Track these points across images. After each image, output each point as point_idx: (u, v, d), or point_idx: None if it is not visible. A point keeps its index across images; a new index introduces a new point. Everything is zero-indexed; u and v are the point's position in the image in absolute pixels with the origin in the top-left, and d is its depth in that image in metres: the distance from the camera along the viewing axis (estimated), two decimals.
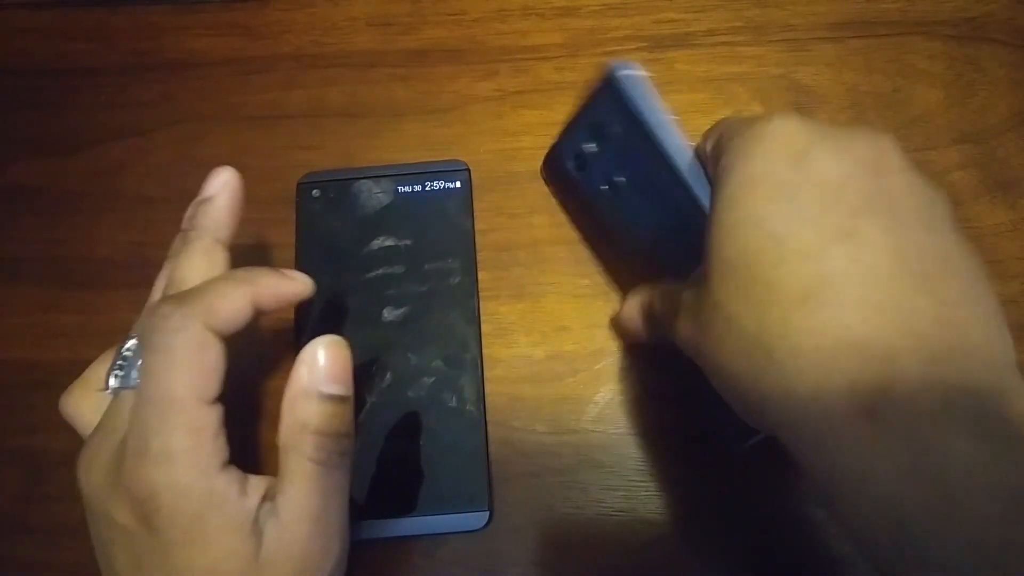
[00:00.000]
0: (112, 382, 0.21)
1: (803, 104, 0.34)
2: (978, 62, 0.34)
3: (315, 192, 0.32)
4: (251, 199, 0.34)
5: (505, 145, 0.34)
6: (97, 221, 0.34)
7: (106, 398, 0.22)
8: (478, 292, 0.31)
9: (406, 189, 0.32)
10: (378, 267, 0.31)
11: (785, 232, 0.18)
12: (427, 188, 0.32)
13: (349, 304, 0.30)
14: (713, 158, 0.22)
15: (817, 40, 0.35)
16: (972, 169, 0.32)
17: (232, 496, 0.20)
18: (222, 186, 0.24)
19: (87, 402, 0.23)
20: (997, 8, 0.35)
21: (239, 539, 0.19)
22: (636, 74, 0.26)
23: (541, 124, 0.34)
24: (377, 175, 0.32)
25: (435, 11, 0.37)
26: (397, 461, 0.28)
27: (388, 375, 0.29)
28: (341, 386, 0.21)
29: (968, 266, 0.18)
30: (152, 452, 0.19)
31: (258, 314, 0.22)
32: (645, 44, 0.35)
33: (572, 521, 0.28)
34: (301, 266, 0.31)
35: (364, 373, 0.26)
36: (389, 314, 0.30)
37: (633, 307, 0.27)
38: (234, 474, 0.20)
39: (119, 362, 0.21)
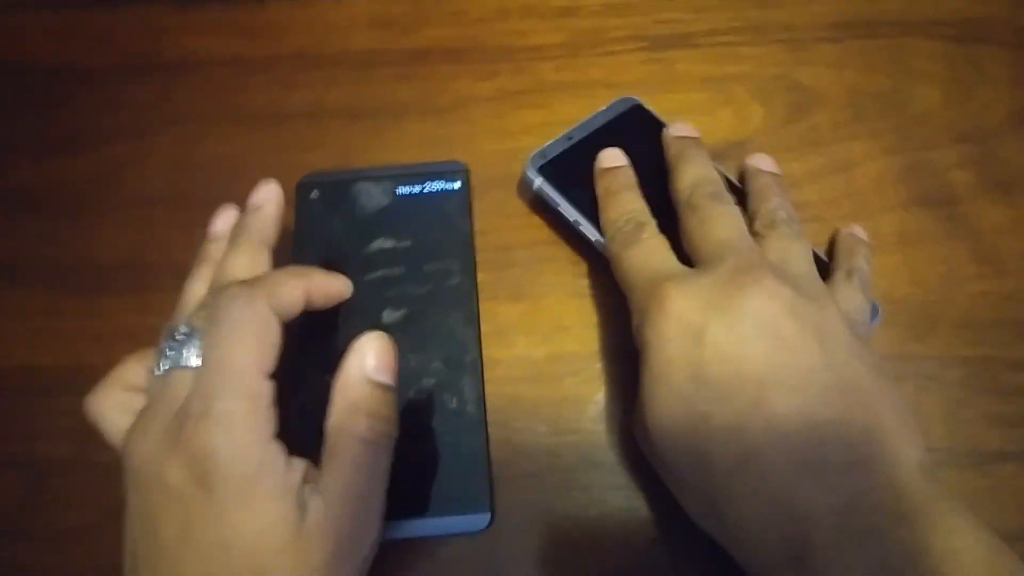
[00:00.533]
0: (164, 364, 0.22)
1: (803, 104, 0.34)
2: (977, 62, 0.34)
3: (314, 193, 0.32)
4: None
5: (505, 145, 0.34)
6: (97, 223, 0.34)
7: (133, 396, 0.24)
8: (478, 293, 0.31)
9: (405, 190, 0.32)
10: (377, 268, 0.31)
11: (708, 410, 0.22)
12: (426, 189, 0.32)
13: (348, 305, 0.30)
14: (633, 314, 0.26)
15: (817, 40, 0.35)
16: (971, 168, 0.33)
17: (280, 465, 0.21)
18: (269, 197, 0.27)
19: (113, 401, 0.24)
20: (996, 9, 0.35)
21: (286, 507, 0.20)
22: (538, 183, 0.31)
23: (541, 124, 0.34)
24: (376, 176, 0.32)
25: (435, 11, 0.37)
26: (397, 463, 0.28)
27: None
28: (389, 376, 0.23)
29: (869, 385, 0.22)
30: (214, 413, 0.20)
31: (307, 307, 0.24)
32: (645, 44, 0.35)
33: (574, 521, 0.28)
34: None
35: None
36: (388, 316, 0.30)
37: None
38: (281, 447, 0.21)
39: (171, 344, 0.22)
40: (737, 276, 0.23)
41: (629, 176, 0.30)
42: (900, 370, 0.30)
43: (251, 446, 0.20)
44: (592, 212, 0.29)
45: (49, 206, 0.34)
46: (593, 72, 0.35)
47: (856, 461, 0.21)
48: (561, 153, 0.31)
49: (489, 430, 0.29)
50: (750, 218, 0.27)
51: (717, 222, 0.25)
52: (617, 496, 0.29)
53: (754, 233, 0.26)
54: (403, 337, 0.30)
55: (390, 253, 0.31)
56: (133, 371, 0.25)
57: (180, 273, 0.33)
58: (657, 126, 0.32)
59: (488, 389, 0.29)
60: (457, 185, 0.32)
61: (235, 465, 0.20)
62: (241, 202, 0.34)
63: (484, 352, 0.30)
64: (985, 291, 0.31)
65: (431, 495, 0.27)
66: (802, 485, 0.21)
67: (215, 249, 0.27)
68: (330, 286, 0.26)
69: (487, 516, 0.27)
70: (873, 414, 0.22)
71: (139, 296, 0.33)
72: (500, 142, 0.34)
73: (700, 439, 0.22)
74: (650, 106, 0.32)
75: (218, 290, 0.24)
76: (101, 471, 0.30)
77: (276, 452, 0.21)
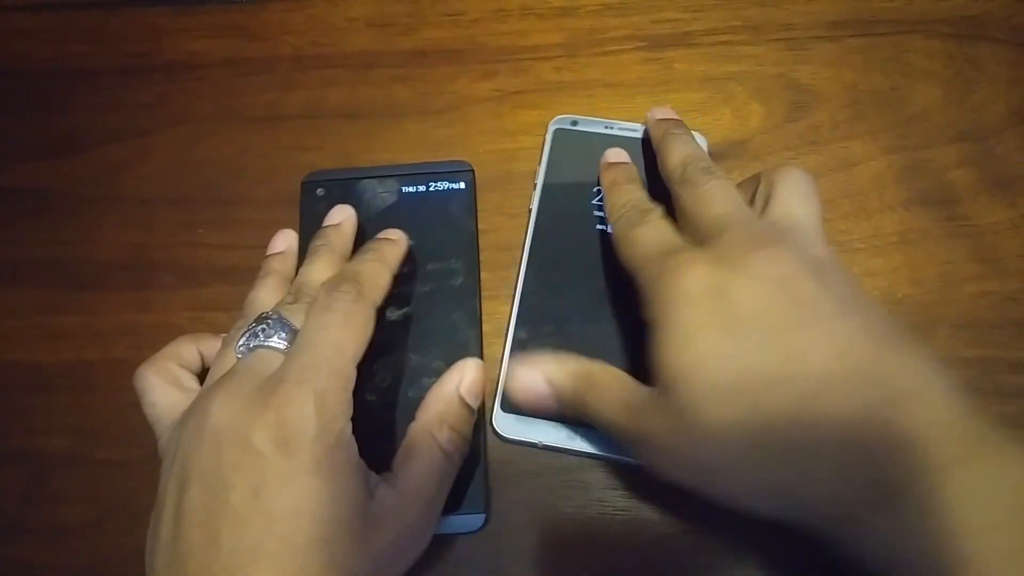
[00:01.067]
0: (252, 342, 0.24)
1: (802, 103, 0.34)
2: (977, 60, 0.34)
3: (319, 191, 0.32)
4: (250, 200, 0.34)
5: (505, 145, 0.34)
6: (97, 223, 0.34)
7: (182, 374, 0.26)
8: (480, 293, 0.31)
9: (410, 189, 0.32)
10: None
11: (753, 364, 0.21)
12: (431, 188, 0.32)
13: None
14: (644, 289, 0.25)
15: (816, 39, 0.35)
16: (971, 167, 0.32)
17: (355, 448, 0.22)
18: (346, 216, 0.30)
19: (166, 374, 0.26)
20: (995, 6, 0.35)
21: (357, 484, 0.21)
22: None
23: (540, 124, 0.34)
24: (382, 175, 0.32)
25: (434, 12, 0.37)
26: None
27: (389, 375, 0.29)
28: (476, 400, 0.26)
29: (894, 327, 0.22)
30: (310, 382, 0.21)
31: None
32: (644, 44, 0.35)
33: (574, 520, 0.28)
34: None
35: (364, 372, 0.26)
36: (391, 314, 0.30)
37: (539, 380, 0.26)
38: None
39: (261, 327, 0.24)
40: (742, 246, 0.23)
41: (632, 172, 0.30)
42: None
43: (337, 419, 0.21)
44: None
45: (49, 206, 0.35)
46: (592, 72, 0.35)
47: (905, 392, 0.20)
48: None
49: (488, 430, 0.29)
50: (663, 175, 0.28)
51: (714, 196, 0.25)
52: (617, 495, 0.28)
53: (672, 191, 0.27)
54: (405, 335, 0.30)
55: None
56: (187, 349, 0.27)
57: (180, 272, 0.33)
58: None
59: (488, 389, 0.29)
60: (462, 185, 0.32)
61: (320, 434, 0.21)
62: (240, 202, 0.34)
63: (485, 351, 0.30)
64: (985, 291, 0.31)
65: None
66: (876, 416, 0.20)
67: (279, 263, 0.29)
68: (399, 260, 0.28)
69: (482, 517, 0.27)
70: (903, 353, 0.21)
71: (139, 294, 0.33)
72: (499, 142, 0.34)
73: (753, 389, 0.21)
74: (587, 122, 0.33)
75: (304, 289, 0.26)
76: (101, 467, 0.30)
77: (352, 436, 0.22)
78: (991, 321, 0.30)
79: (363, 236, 0.31)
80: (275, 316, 0.24)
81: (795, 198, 0.25)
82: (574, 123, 0.33)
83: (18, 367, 0.32)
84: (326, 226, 0.29)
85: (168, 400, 0.25)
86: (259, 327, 0.24)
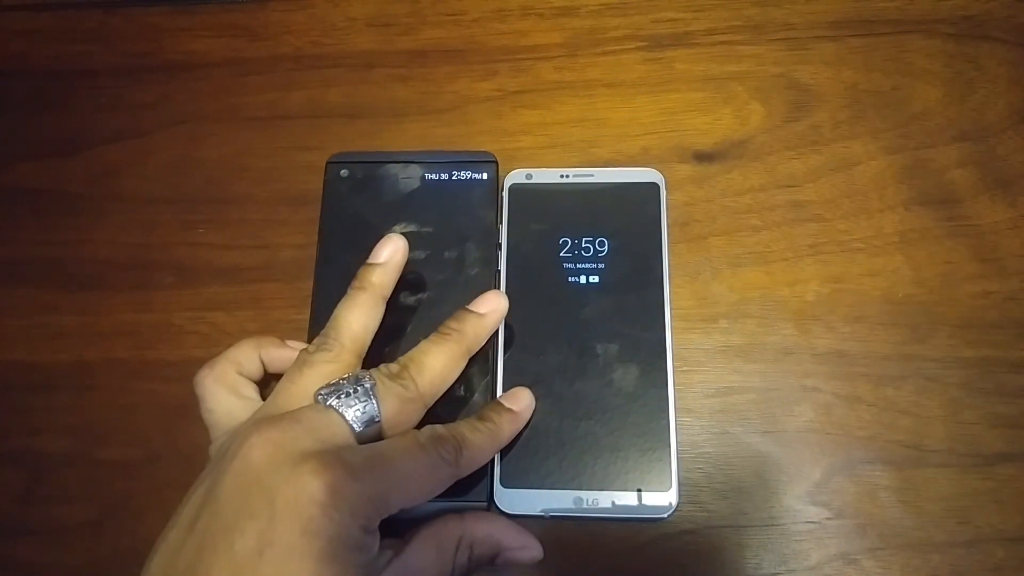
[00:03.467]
0: (331, 399, 0.23)
1: (802, 103, 0.34)
2: (977, 60, 0.34)
3: (343, 172, 0.32)
4: (251, 200, 0.34)
5: (505, 145, 0.34)
6: (97, 222, 0.34)
7: (241, 382, 0.26)
8: (497, 283, 0.31)
9: (433, 176, 0.32)
10: None
11: None
12: (454, 177, 0.32)
13: None
14: None
15: (816, 39, 0.35)
16: (971, 167, 0.32)
17: (375, 549, 0.22)
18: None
19: (226, 380, 0.26)
20: (996, 6, 0.35)
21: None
22: None
23: (540, 124, 0.34)
24: (406, 160, 0.33)
25: (434, 11, 0.37)
26: None
27: (398, 361, 0.29)
28: (485, 550, 0.25)
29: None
30: (358, 487, 0.21)
31: None
32: (644, 43, 0.35)
33: (574, 520, 0.28)
34: (324, 244, 0.31)
35: (374, 356, 0.26)
36: (406, 299, 0.30)
37: None
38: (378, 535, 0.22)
39: (349, 388, 0.23)
40: None
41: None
42: (901, 371, 0.30)
43: (365, 530, 0.21)
44: None
45: (49, 206, 0.35)
46: (592, 72, 0.35)
47: None
48: None
49: None
50: None
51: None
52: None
53: None
54: (418, 321, 0.30)
55: (413, 237, 0.31)
56: (247, 356, 0.27)
57: (180, 272, 0.33)
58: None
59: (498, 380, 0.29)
60: (485, 176, 0.32)
61: (343, 535, 0.20)
62: (240, 202, 0.34)
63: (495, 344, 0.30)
64: (986, 291, 0.31)
65: None
66: None
67: (378, 276, 0.27)
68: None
69: (483, 506, 0.27)
70: None
71: (139, 294, 0.33)
72: (500, 142, 0.34)
73: None
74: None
75: (387, 374, 0.24)
76: (101, 467, 0.30)
77: (375, 540, 0.22)
78: (991, 321, 0.30)
79: (386, 218, 0.31)
80: (368, 386, 0.23)
81: None
82: (528, 176, 0.32)
83: (18, 367, 0.32)
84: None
85: (225, 408, 0.25)
86: (348, 388, 0.23)
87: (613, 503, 0.27)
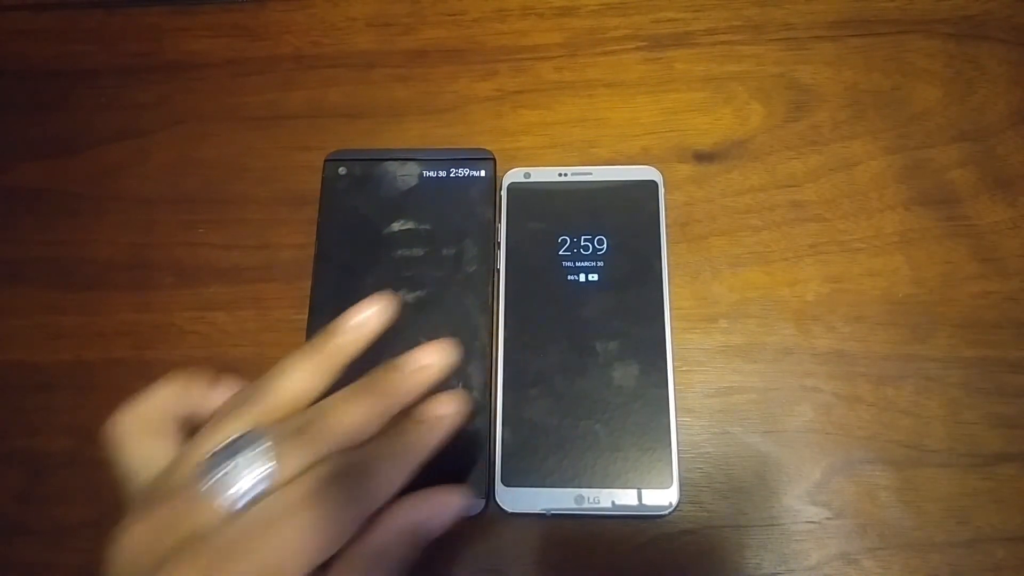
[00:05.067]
0: (213, 468, 0.20)
1: (803, 103, 0.34)
2: (977, 60, 0.34)
3: (341, 169, 0.33)
4: (251, 200, 0.34)
5: (505, 145, 0.34)
6: (97, 222, 0.34)
7: (162, 447, 0.22)
8: (495, 281, 0.31)
9: (431, 174, 0.32)
10: (397, 248, 0.31)
11: None
12: (452, 174, 0.32)
13: (365, 283, 0.31)
14: None
15: (816, 39, 0.35)
16: (971, 167, 0.32)
17: None
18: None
19: (146, 443, 0.22)
20: (996, 6, 0.35)
21: None
22: None
23: (540, 124, 0.34)
24: (404, 158, 0.33)
25: (434, 11, 0.37)
26: None
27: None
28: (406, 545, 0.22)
29: None
30: None
31: None
32: (644, 43, 0.35)
33: (574, 520, 0.28)
34: (322, 241, 0.31)
35: (373, 353, 0.27)
36: (404, 296, 0.30)
37: None
38: None
39: (233, 456, 0.20)
40: None
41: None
42: (901, 371, 0.30)
43: None
44: None
45: (50, 206, 0.35)
46: (592, 72, 0.35)
47: None
48: None
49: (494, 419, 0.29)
50: None
51: None
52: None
53: None
54: (416, 318, 0.30)
55: (411, 234, 0.31)
56: (172, 398, 0.23)
57: (180, 272, 0.33)
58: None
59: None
60: (483, 173, 0.32)
61: None
62: (240, 202, 0.34)
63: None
64: (986, 291, 0.31)
65: (427, 477, 0.27)
66: None
67: (347, 344, 0.24)
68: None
69: (482, 502, 0.27)
70: None
71: (139, 294, 0.33)
72: (500, 142, 0.34)
73: None
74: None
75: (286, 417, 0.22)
76: (101, 467, 0.30)
77: None
78: (991, 321, 0.30)
79: (384, 215, 0.32)
80: (263, 448, 0.20)
81: None
82: (527, 175, 0.32)
83: (18, 367, 0.32)
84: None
85: (146, 456, 0.22)
86: (240, 455, 0.20)
87: (614, 501, 0.27)
